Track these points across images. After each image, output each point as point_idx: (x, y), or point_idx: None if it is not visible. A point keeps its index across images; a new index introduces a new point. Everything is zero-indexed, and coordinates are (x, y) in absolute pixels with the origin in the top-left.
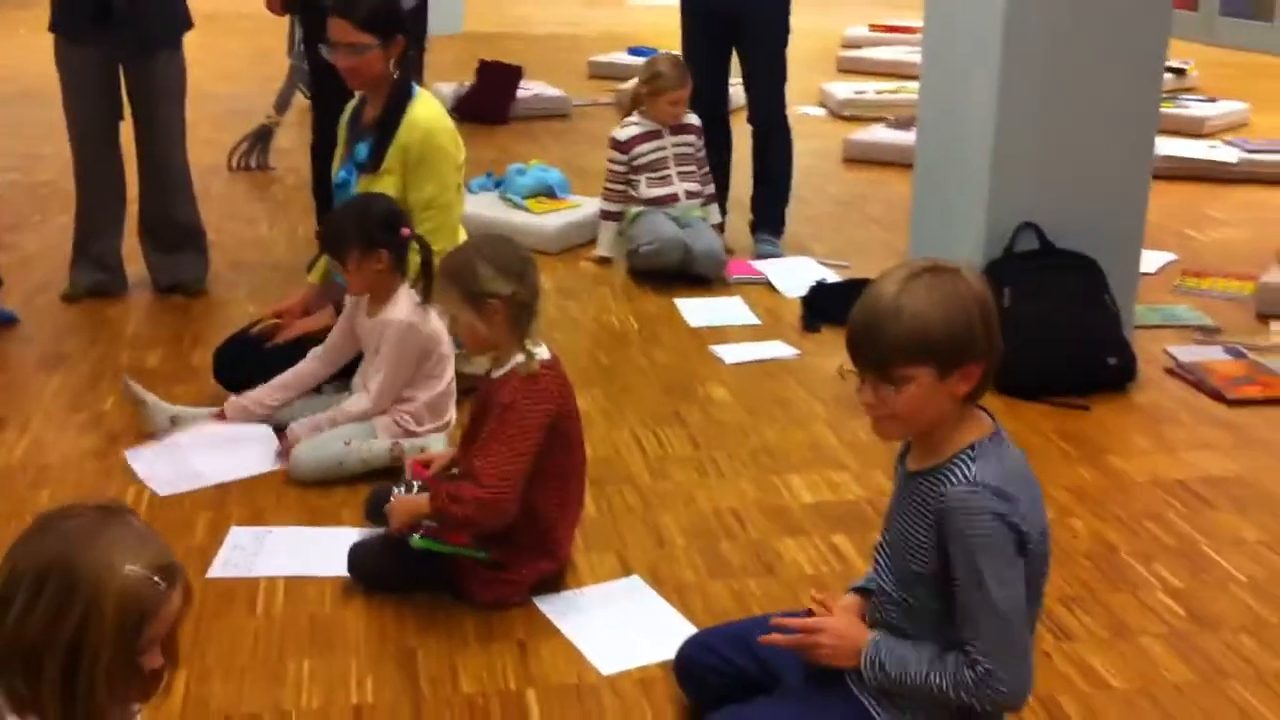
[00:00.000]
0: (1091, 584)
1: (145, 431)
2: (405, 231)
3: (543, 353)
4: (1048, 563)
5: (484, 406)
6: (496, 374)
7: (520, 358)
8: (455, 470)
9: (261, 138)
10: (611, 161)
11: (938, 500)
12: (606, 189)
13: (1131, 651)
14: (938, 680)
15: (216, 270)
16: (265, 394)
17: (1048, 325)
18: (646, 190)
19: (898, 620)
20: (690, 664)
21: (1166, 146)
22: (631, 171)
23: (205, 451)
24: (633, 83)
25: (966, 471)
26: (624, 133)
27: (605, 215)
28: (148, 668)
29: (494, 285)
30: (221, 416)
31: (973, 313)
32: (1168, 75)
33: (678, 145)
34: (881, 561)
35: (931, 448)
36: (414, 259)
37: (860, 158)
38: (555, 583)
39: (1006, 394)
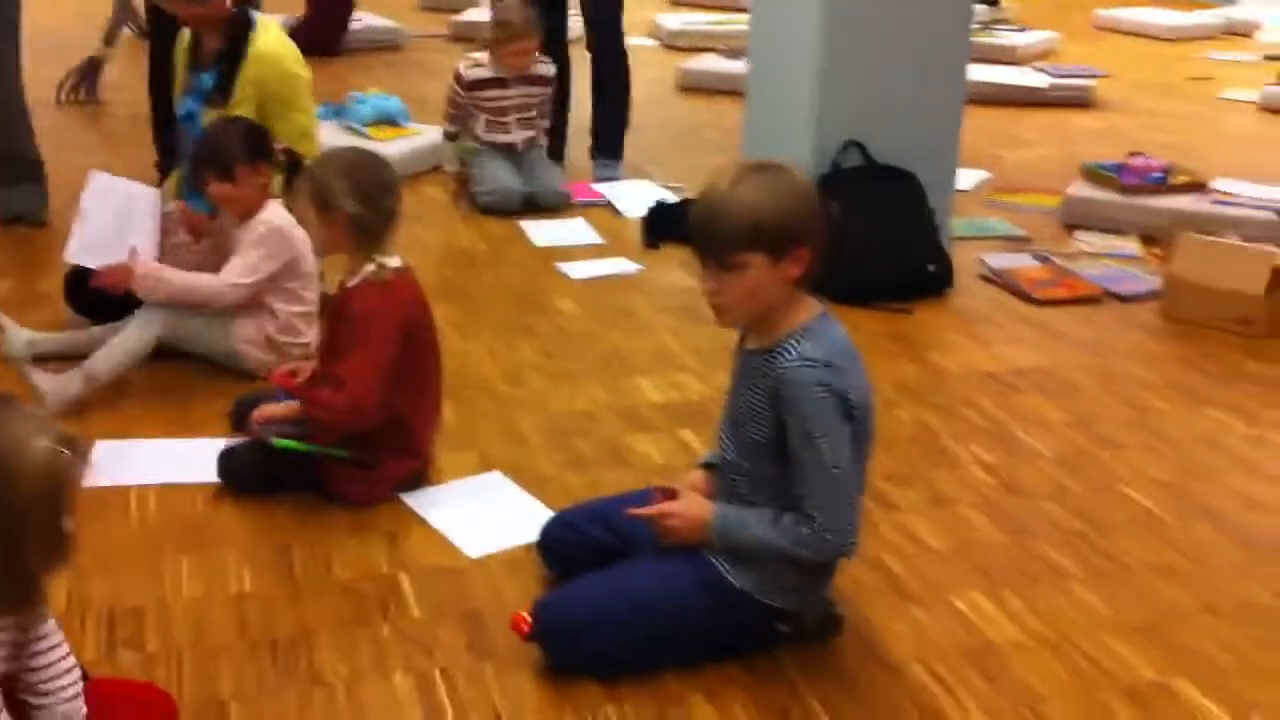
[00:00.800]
0: (915, 463)
1: (3, 355)
2: (280, 146)
3: (394, 262)
4: (872, 430)
5: (339, 316)
6: (350, 284)
7: (371, 268)
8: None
9: (90, 70)
10: (453, 91)
11: (773, 375)
12: (449, 113)
13: (950, 518)
14: (777, 539)
15: (56, 202)
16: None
17: (872, 236)
18: (484, 132)
19: (741, 488)
20: (553, 541)
21: (980, 73)
22: (472, 106)
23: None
24: (469, 13)
25: (798, 348)
26: (469, 74)
27: (446, 136)
28: (65, 536)
29: (341, 200)
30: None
31: (799, 201)
32: (983, 7)
33: (522, 95)
34: (725, 436)
35: (767, 330)
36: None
37: (694, 86)
38: (419, 481)
39: (836, 300)
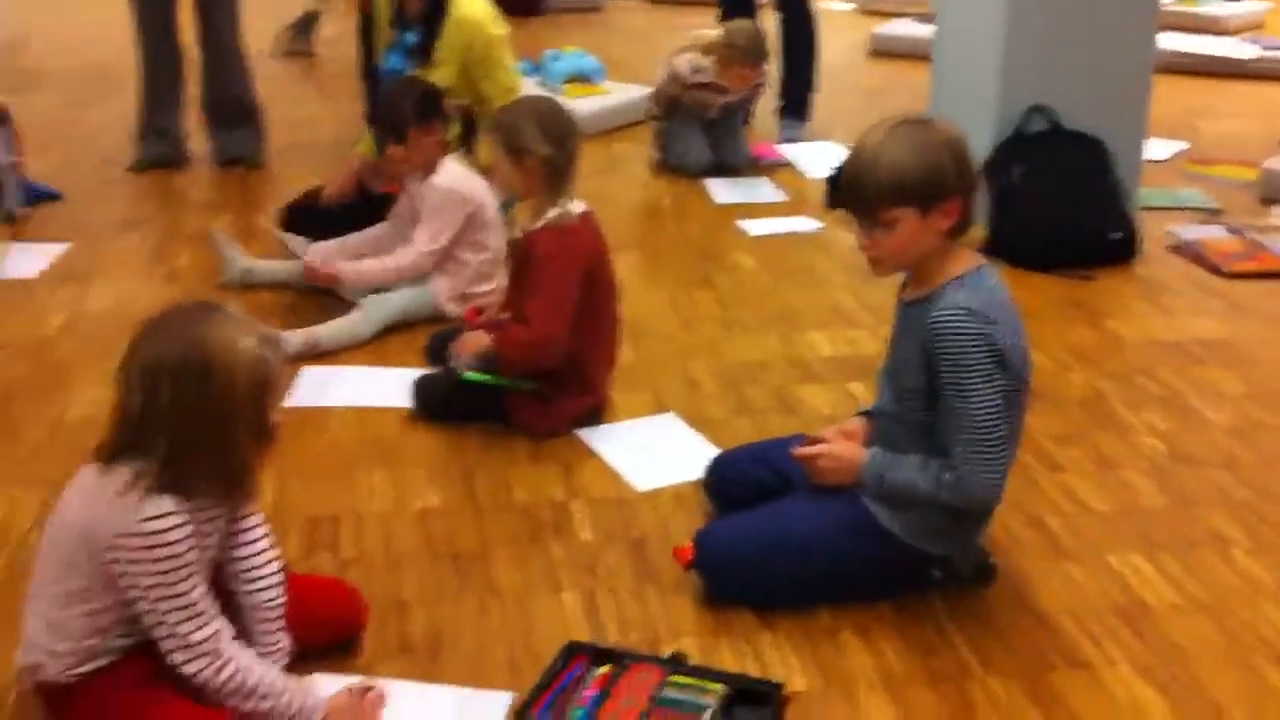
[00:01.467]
0: (1083, 426)
1: (220, 282)
2: (451, 104)
3: (577, 207)
4: (1028, 384)
5: (524, 257)
6: (534, 228)
7: (554, 212)
8: (505, 316)
9: (306, 24)
10: (668, 81)
11: (926, 324)
12: (658, 95)
13: (1115, 482)
14: (924, 484)
15: (272, 146)
16: (336, 249)
17: (1055, 201)
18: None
19: (896, 435)
20: (717, 477)
21: (1183, 43)
22: (683, 99)
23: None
24: None
25: (953, 298)
26: (691, 78)
27: (651, 117)
28: (270, 426)
29: (534, 143)
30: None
31: (943, 154)
32: None
33: (735, 99)
34: (883, 384)
35: (923, 280)
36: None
37: (886, 51)
38: (595, 417)
39: (1016, 265)
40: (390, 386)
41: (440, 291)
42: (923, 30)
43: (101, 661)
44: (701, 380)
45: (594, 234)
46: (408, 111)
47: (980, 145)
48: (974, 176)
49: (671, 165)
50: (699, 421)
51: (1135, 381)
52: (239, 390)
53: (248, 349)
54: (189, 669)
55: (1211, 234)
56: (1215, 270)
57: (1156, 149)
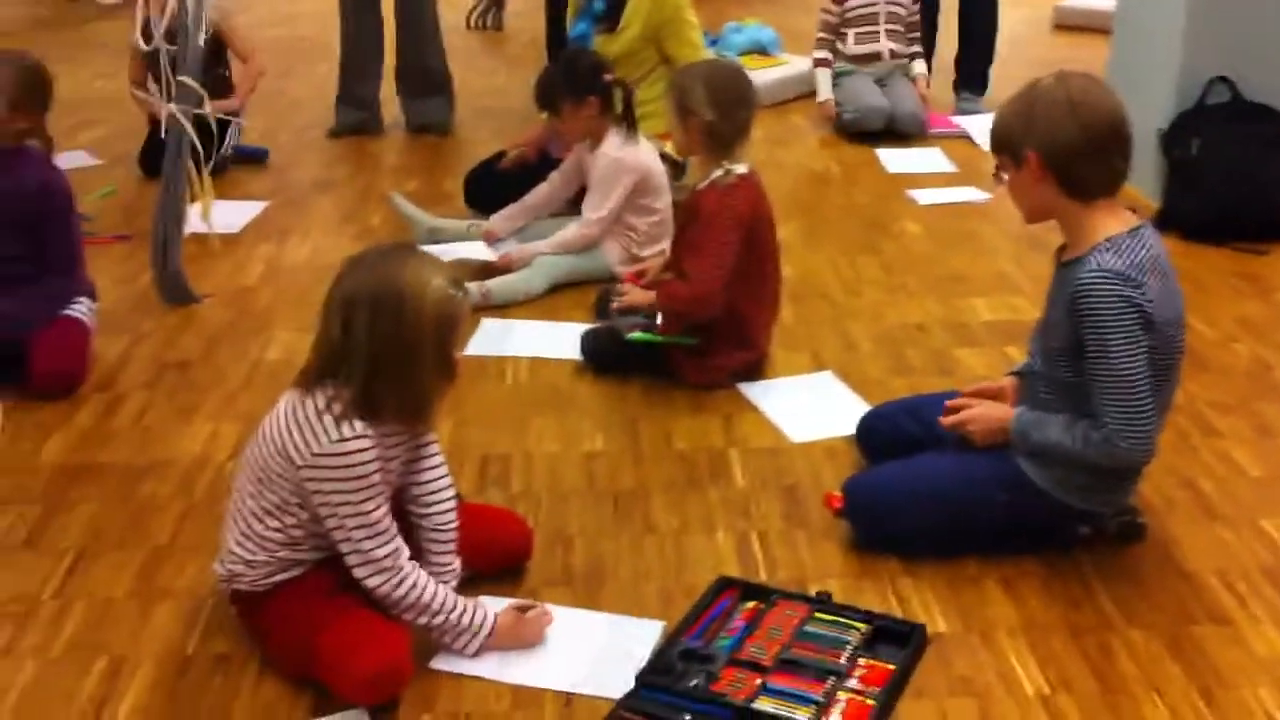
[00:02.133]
0: (1244, 394)
1: (409, 241)
2: (608, 77)
3: (740, 168)
4: (1180, 347)
5: (689, 215)
6: (699, 187)
7: (719, 173)
8: (667, 274)
9: (496, 0)
10: (825, 12)
11: (1073, 285)
12: (820, 38)
13: (1271, 448)
14: (1071, 443)
15: (460, 115)
16: (514, 211)
17: (1232, 174)
18: (853, 46)
19: (1044, 395)
20: (869, 431)
21: None
22: (843, 24)
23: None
24: None
25: (1100, 259)
26: None
27: (819, 63)
28: (454, 362)
29: (700, 107)
30: (489, 235)
31: (1034, 108)
32: None
33: (890, 3)
34: (1034, 343)
35: (1076, 242)
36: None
37: (1069, 24)
38: (755, 372)
39: (1188, 238)
40: (562, 339)
41: (611, 254)
42: (1106, 3)
43: (293, 573)
44: (860, 341)
45: (757, 194)
46: (560, 85)
47: (1161, 117)
48: (1071, 136)
49: (847, 120)
50: (856, 381)
51: None
52: (427, 324)
53: (438, 287)
54: (370, 583)
55: None
56: None
57: None
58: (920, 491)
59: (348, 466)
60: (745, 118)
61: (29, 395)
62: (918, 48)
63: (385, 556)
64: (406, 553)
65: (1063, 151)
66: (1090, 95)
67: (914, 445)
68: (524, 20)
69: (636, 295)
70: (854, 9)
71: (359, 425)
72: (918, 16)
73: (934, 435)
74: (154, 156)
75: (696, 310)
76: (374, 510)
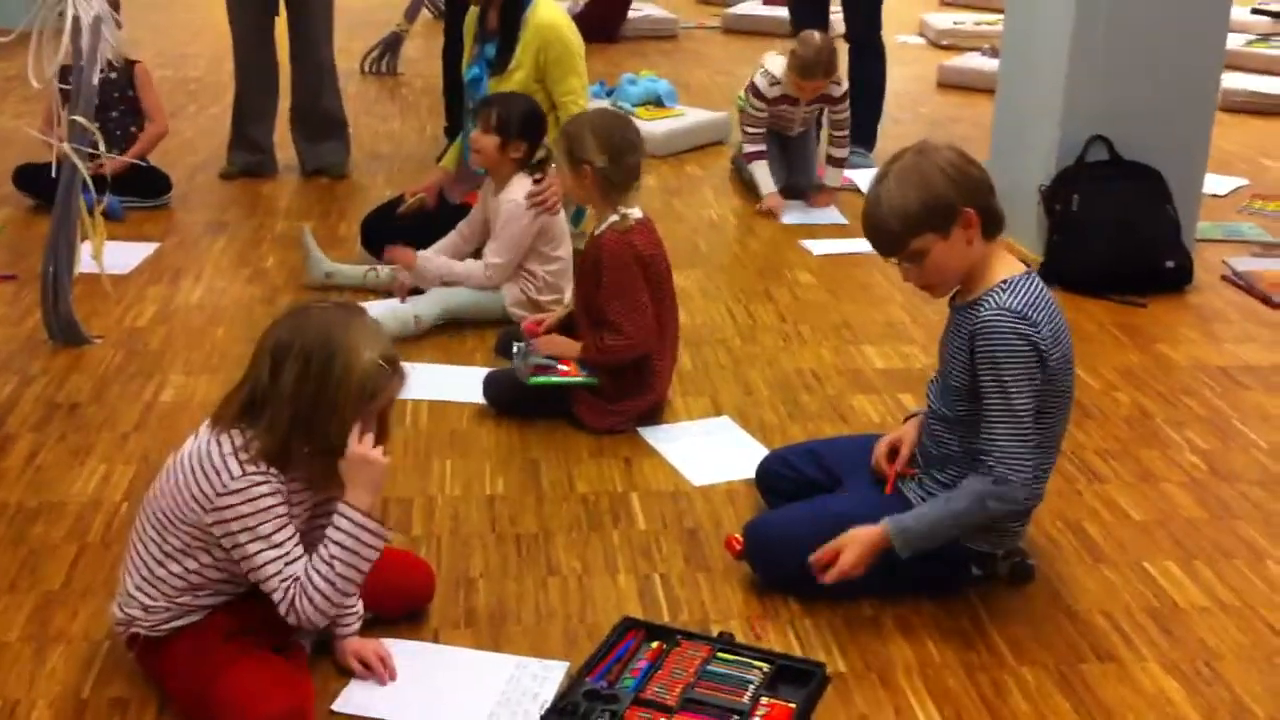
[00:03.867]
0: (1126, 442)
1: (303, 283)
2: (543, 139)
3: (635, 213)
4: (1069, 389)
5: (591, 260)
6: (598, 232)
7: (615, 218)
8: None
9: (392, 45)
10: (753, 109)
11: (972, 324)
12: (748, 132)
13: (1154, 494)
14: (958, 504)
15: (355, 159)
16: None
17: (1111, 228)
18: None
19: (940, 434)
20: (768, 474)
21: (1255, 83)
22: (764, 123)
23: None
24: (741, 6)
25: (997, 300)
26: (770, 90)
27: (753, 156)
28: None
29: (591, 154)
30: (401, 289)
31: (938, 177)
32: (1264, 18)
33: (812, 110)
34: (932, 384)
35: (971, 285)
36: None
37: (953, 83)
38: (655, 416)
39: (1070, 290)
40: (464, 383)
41: (508, 295)
42: (989, 64)
43: (191, 618)
44: (758, 387)
45: (654, 238)
46: (515, 117)
47: (1043, 173)
48: (979, 181)
49: (747, 184)
50: (754, 425)
51: (1180, 402)
52: (351, 389)
53: (369, 359)
54: (281, 600)
55: (1266, 266)
56: (1266, 300)
57: (1217, 184)
58: (818, 532)
59: (252, 501)
60: (635, 163)
61: None
62: (842, 151)
63: (295, 574)
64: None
65: (983, 195)
66: (956, 146)
67: (812, 488)
68: (419, 66)
69: (560, 345)
70: (775, 112)
71: (264, 465)
72: (845, 115)
73: (833, 478)
74: (30, 177)
75: (632, 356)
76: (285, 540)
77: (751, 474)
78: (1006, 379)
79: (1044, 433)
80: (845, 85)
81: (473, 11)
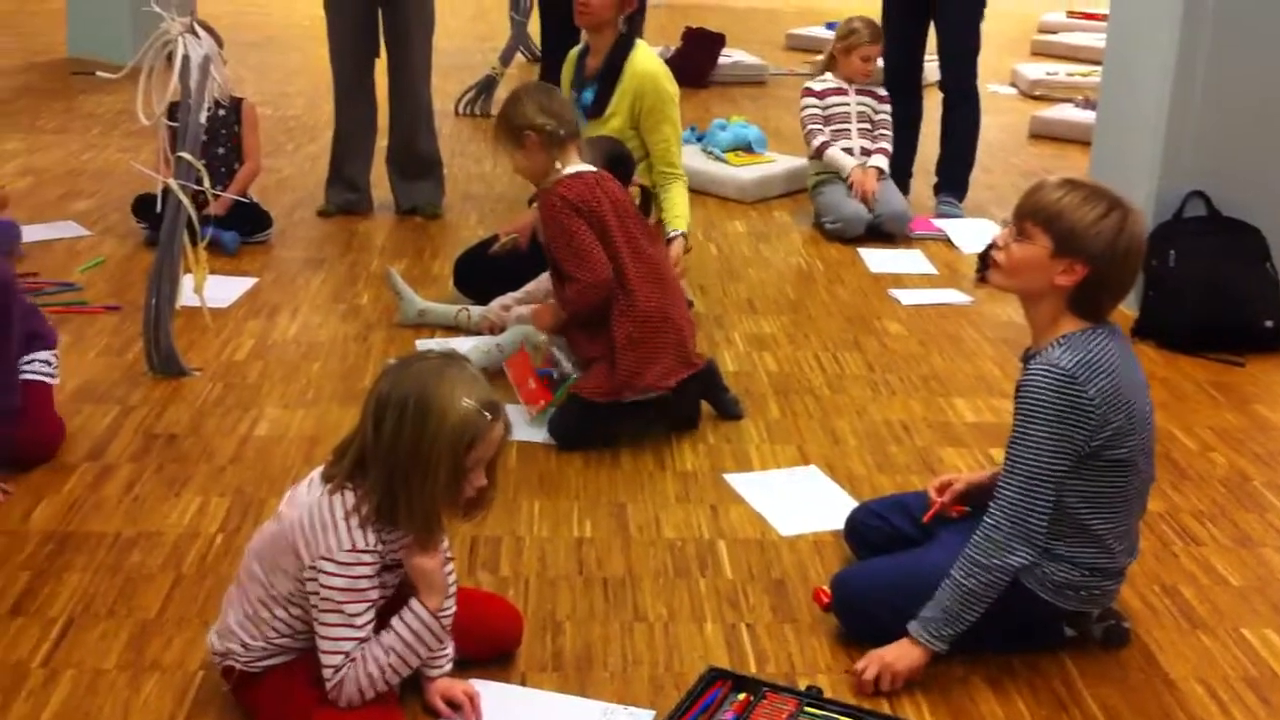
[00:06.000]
0: (1223, 505)
1: (396, 321)
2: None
3: (572, 168)
4: (1143, 446)
5: (540, 221)
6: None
7: (552, 177)
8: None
9: (486, 87)
10: (808, 107)
11: (1022, 376)
12: (812, 129)
13: (1252, 559)
14: (961, 575)
15: (449, 199)
16: (512, 300)
17: (1208, 286)
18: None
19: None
20: (857, 525)
21: None
22: (822, 120)
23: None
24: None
25: (1049, 355)
26: (819, 84)
27: (824, 146)
28: (474, 485)
29: (531, 118)
30: (492, 328)
31: (1112, 233)
32: None
33: (860, 104)
34: None
35: (1037, 336)
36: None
37: (1046, 134)
38: (743, 463)
39: (1165, 347)
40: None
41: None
42: (1083, 115)
43: (285, 658)
44: (845, 437)
45: (587, 186)
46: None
47: None
48: (1122, 274)
49: (829, 230)
50: (841, 476)
51: (1279, 463)
52: (445, 439)
53: (467, 406)
54: (332, 664)
55: None
56: None
57: None
58: (909, 587)
59: (350, 579)
60: (571, 116)
61: (7, 464)
62: (883, 144)
63: (351, 650)
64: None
65: (1101, 283)
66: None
67: (902, 541)
68: None
69: (545, 315)
70: (831, 106)
71: (371, 539)
72: (888, 116)
73: (923, 531)
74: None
75: (596, 295)
76: (363, 623)
77: (839, 525)
78: (1031, 433)
79: (1052, 495)
80: (887, 94)
81: (571, 57)
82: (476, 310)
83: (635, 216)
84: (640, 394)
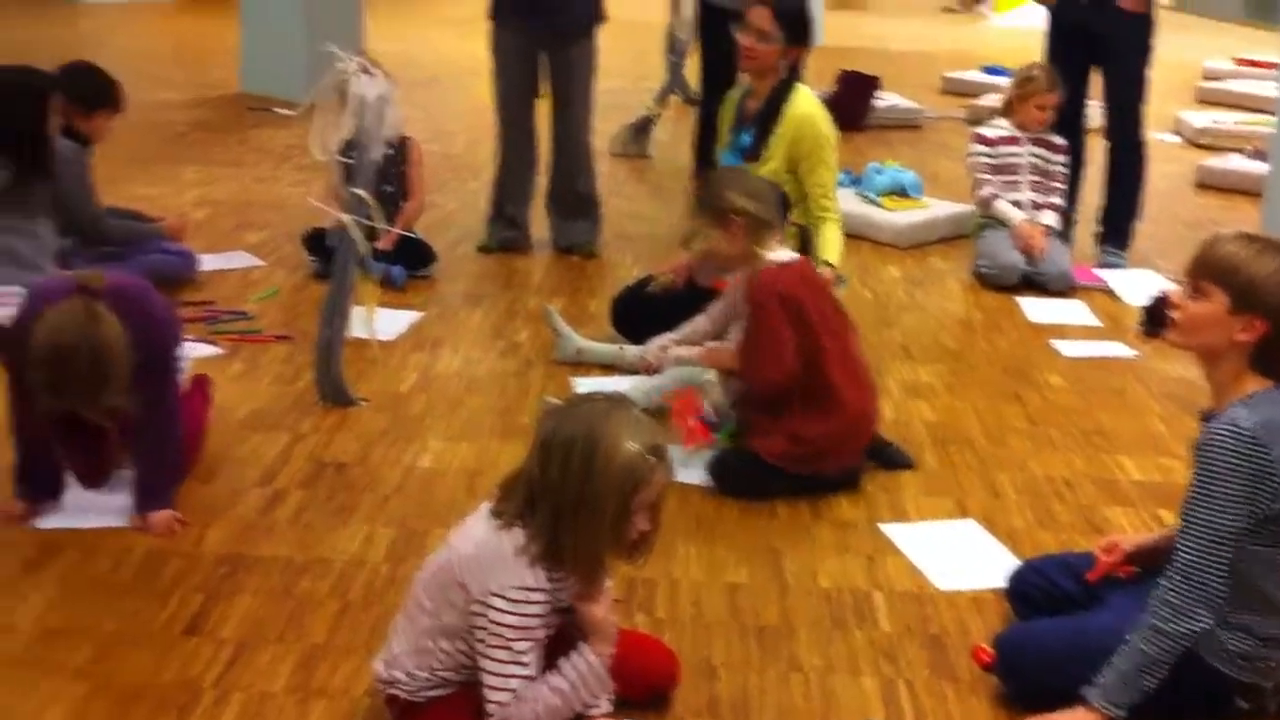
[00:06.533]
0: None
1: (553, 359)
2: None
3: (783, 255)
4: None
5: (740, 302)
6: (747, 277)
7: (761, 262)
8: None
9: (642, 127)
10: (977, 155)
11: (1201, 436)
12: (979, 178)
13: None
14: (1139, 641)
15: (605, 238)
16: (670, 341)
17: None
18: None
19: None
20: (1022, 584)
21: None
22: (991, 169)
23: None
24: (987, 97)
25: (1233, 413)
26: (991, 131)
27: (989, 198)
28: (638, 528)
29: (736, 202)
30: (648, 368)
31: None
32: None
33: (1033, 155)
34: None
35: (1217, 396)
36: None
37: (1213, 184)
38: (899, 514)
39: None
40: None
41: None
42: (1253, 166)
43: (446, 690)
44: (1005, 491)
45: (799, 273)
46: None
47: None
48: None
49: (982, 275)
50: (1001, 531)
51: None
52: (611, 481)
53: (632, 449)
54: (497, 699)
55: None
56: None
57: None
58: (1078, 651)
59: (521, 616)
60: (776, 202)
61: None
62: (1055, 199)
63: (517, 687)
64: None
65: None
66: None
67: (1067, 602)
68: (667, 149)
69: (720, 355)
70: (1002, 155)
71: (541, 577)
72: (1062, 168)
73: (1088, 592)
74: (319, 241)
75: (772, 389)
76: (529, 660)
77: (998, 581)
78: (1209, 493)
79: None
80: (1065, 142)
81: (730, 99)
82: (633, 350)
83: (836, 307)
84: (819, 472)
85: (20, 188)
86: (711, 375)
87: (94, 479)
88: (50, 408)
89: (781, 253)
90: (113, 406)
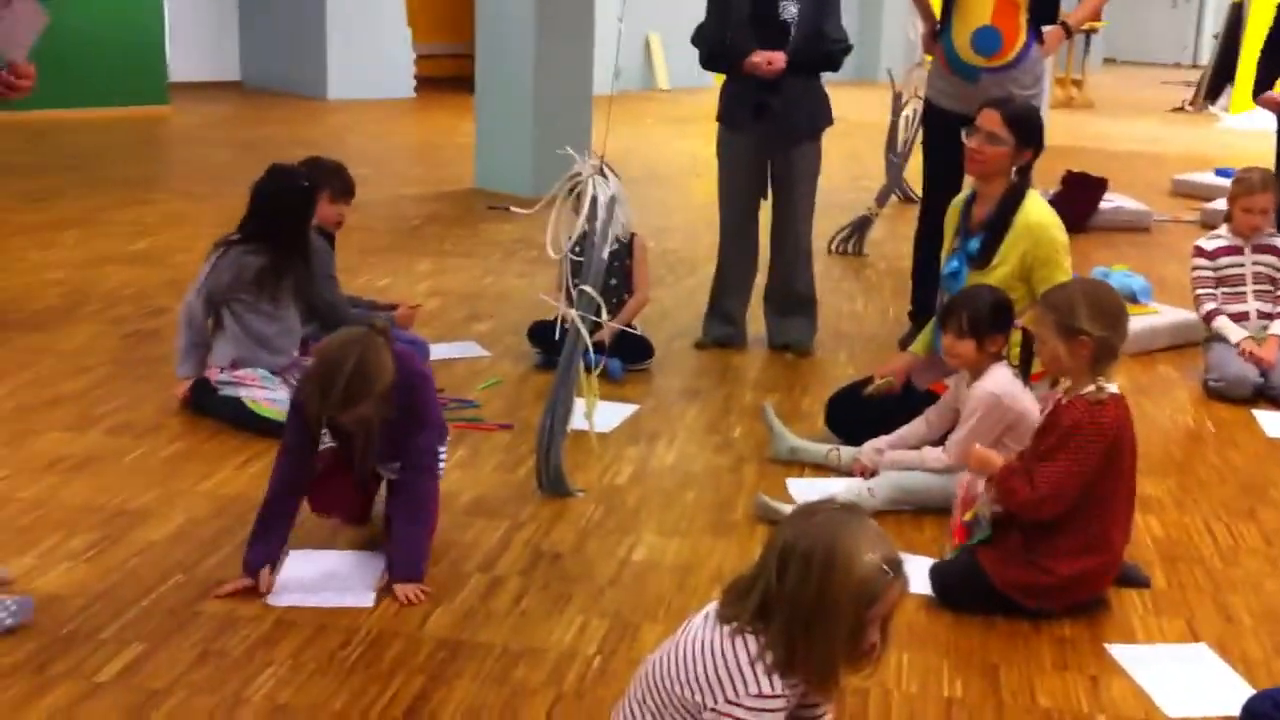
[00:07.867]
0: None
1: (767, 456)
2: (1018, 323)
3: (1112, 388)
4: None
5: (1051, 422)
6: (1067, 399)
7: (1090, 389)
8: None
9: (860, 226)
10: (1198, 269)
11: None
12: (1200, 294)
13: None
14: None
15: (819, 336)
16: (886, 444)
17: None
18: (1221, 304)
19: None
20: (1256, 714)
21: None
22: (1214, 282)
23: None
24: (1220, 200)
25: None
26: (1210, 243)
27: (1214, 314)
28: (868, 641)
29: (1087, 323)
30: (863, 470)
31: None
32: None
33: (1257, 264)
34: None
35: None
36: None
37: None
38: (1125, 634)
39: None
40: (915, 571)
41: (959, 483)
42: None
43: None
44: (1240, 615)
45: (1123, 416)
46: (985, 315)
47: None
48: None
49: (1212, 389)
50: (1235, 657)
51: None
52: (848, 593)
53: (870, 561)
54: None
55: None
56: None
57: None
58: None
59: None
60: (1125, 332)
61: None
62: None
63: None
64: None
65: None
66: None
67: None
68: (884, 247)
69: (989, 457)
70: (1223, 267)
71: (779, 684)
72: None
73: None
74: (543, 333)
75: (1026, 512)
76: None
77: (1232, 711)
78: None
79: None
80: None
81: (956, 203)
82: (847, 451)
83: (1135, 447)
84: (1050, 609)
85: (274, 275)
86: (924, 480)
87: (352, 513)
88: (318, 413)
89: (1114, 385)
90: (366, 416)
